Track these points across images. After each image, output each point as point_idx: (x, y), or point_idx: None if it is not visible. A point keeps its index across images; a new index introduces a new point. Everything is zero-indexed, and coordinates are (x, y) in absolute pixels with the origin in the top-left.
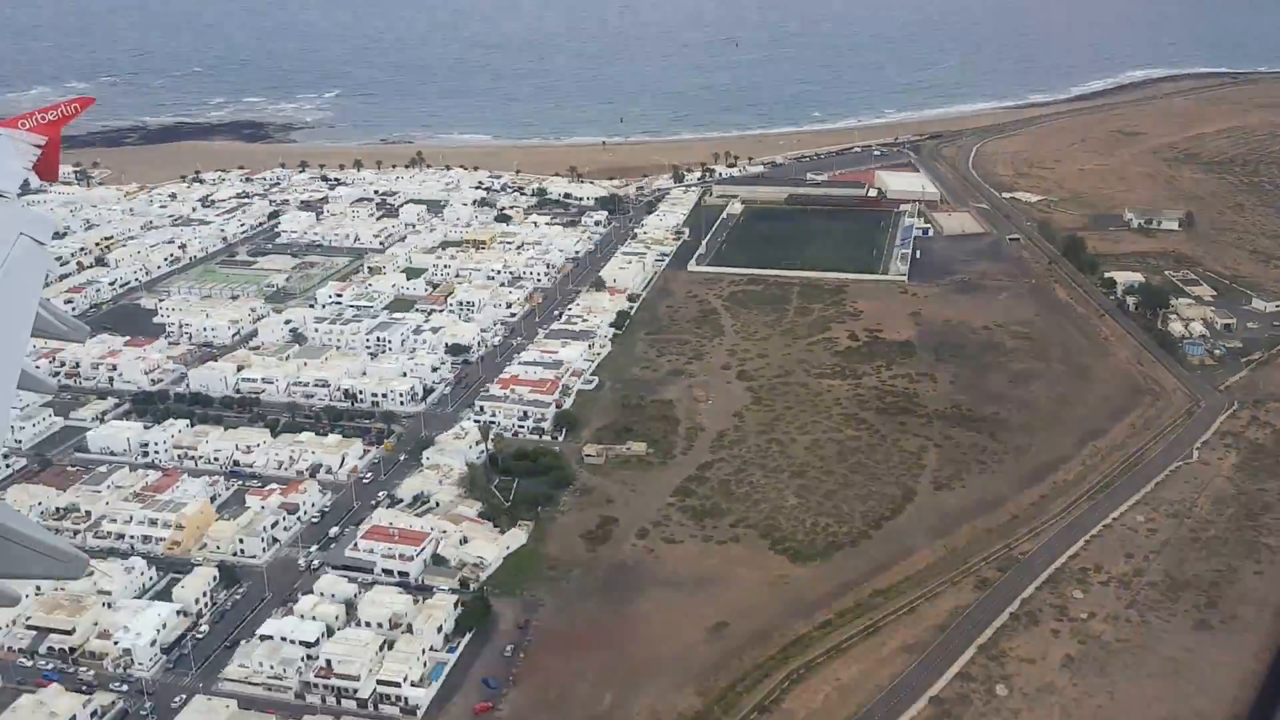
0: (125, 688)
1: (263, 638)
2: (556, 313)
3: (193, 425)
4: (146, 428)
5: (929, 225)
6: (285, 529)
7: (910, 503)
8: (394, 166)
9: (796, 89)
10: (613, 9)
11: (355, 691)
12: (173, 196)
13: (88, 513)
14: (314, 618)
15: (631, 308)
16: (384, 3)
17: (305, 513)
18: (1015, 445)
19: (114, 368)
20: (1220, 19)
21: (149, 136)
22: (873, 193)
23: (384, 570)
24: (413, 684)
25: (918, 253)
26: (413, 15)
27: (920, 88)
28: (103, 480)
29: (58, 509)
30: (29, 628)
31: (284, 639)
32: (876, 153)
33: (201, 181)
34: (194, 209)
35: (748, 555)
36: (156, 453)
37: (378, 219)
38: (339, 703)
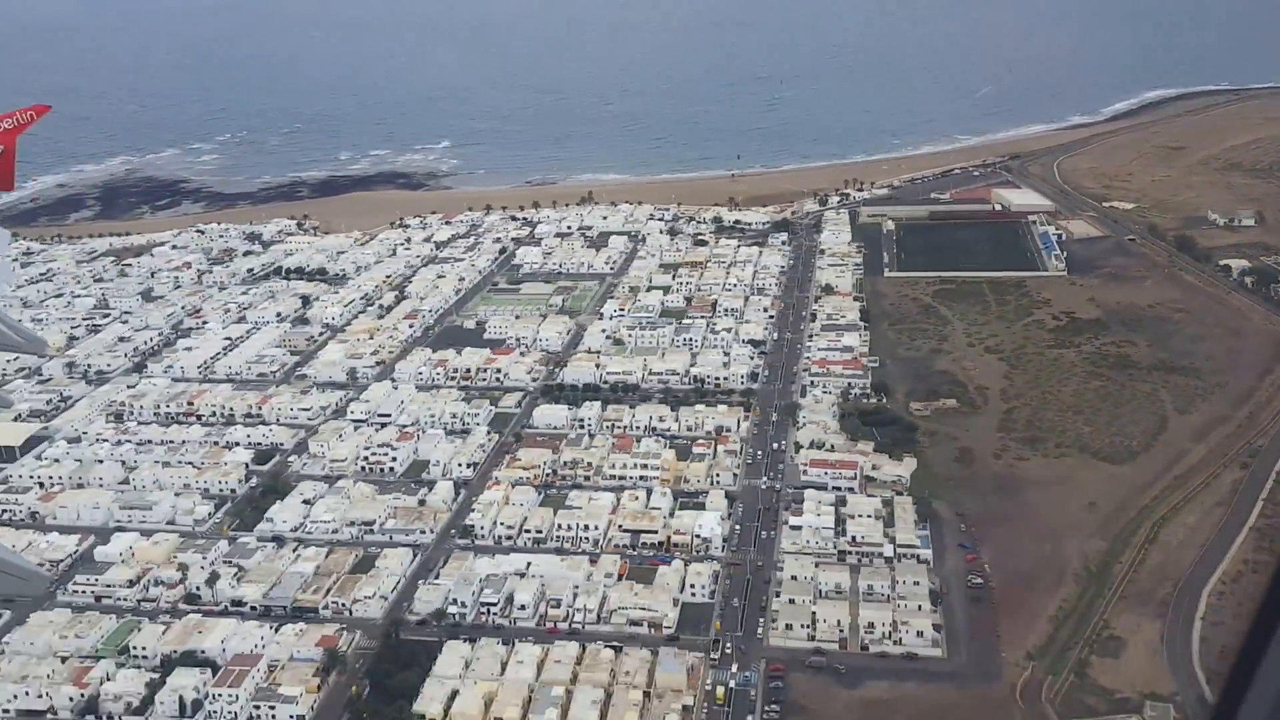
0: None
1: (793, 527)
2: (804, 314)
3: (604, 407)
4: (571, 408)
5: (1060, 231)
6: (734, 469)
7: (1167, 423)
8: (568, 205)
9: (863, 119)
10: (648, 56)
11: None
12: (407, 240)
13: (589, 463)
14: (819, 515)
15: (860, 307)
16: (428, 53)
17: (740, 454)
18: (1216, 382)
19: (499, 370)
20: (1183, 39)
21: (319, 189)
22: (997, 207)
23: (834, 487)
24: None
25: (1064, 253)
26: (474, 63)
27: (975, 114)
28: (580, 443)
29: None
30: (624, 530)
31: (812, 527)
32: (975, 173)
33: (406, 226)
34: (433, 248)
35: (1079, 464)
36: (589, 424)
37: (594, 248)
38: (870, 562)
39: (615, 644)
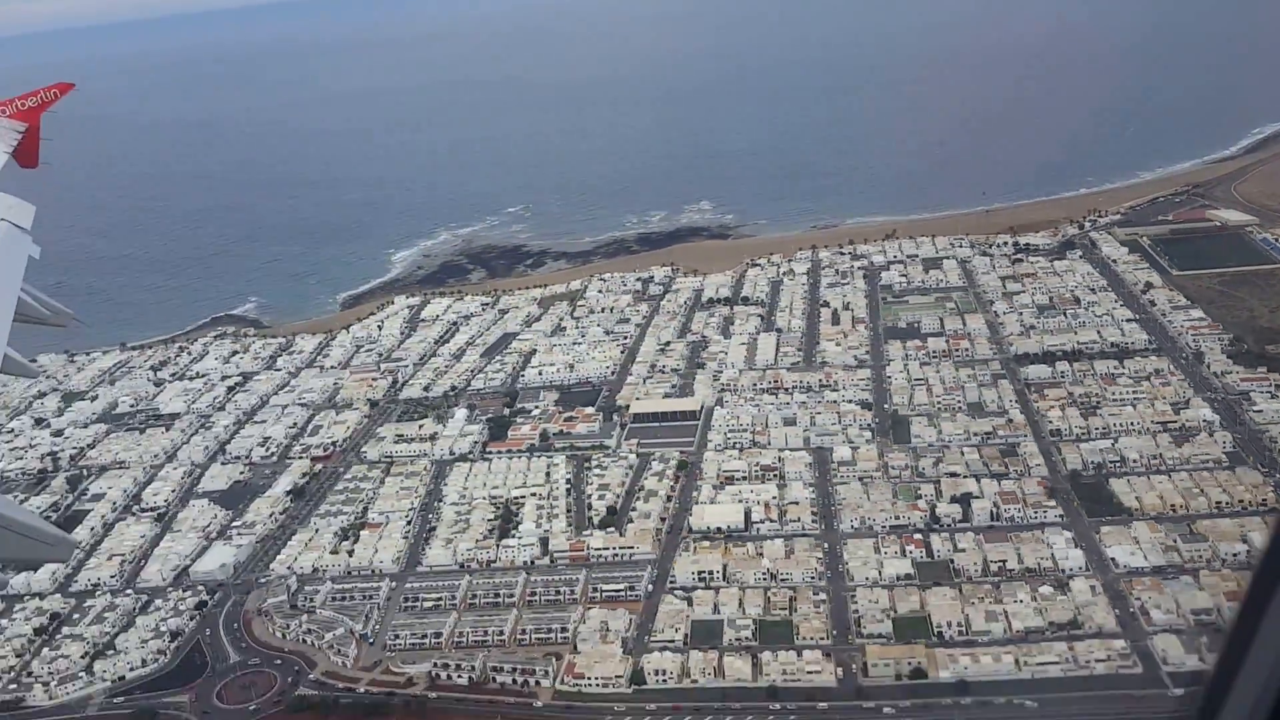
0: None
1: None
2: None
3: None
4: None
5: (1273, 237)
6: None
7: None
8: (867, 241)
9: (1047, 157)
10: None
11: None
12: (790, 273)
13: None
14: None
15: None
16: (641, 123)
17: None
18: None
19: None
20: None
21: (644, 243)
22: (1216, 223)
23: None
24: None
25: None
26: (698, 128)
27: (1131, 152)
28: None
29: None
30: None
31: None
32: (1178, 200)
33: (759, 265)
34: (820, 276)
35: None
36: None
37: (932, 268)
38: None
39: None
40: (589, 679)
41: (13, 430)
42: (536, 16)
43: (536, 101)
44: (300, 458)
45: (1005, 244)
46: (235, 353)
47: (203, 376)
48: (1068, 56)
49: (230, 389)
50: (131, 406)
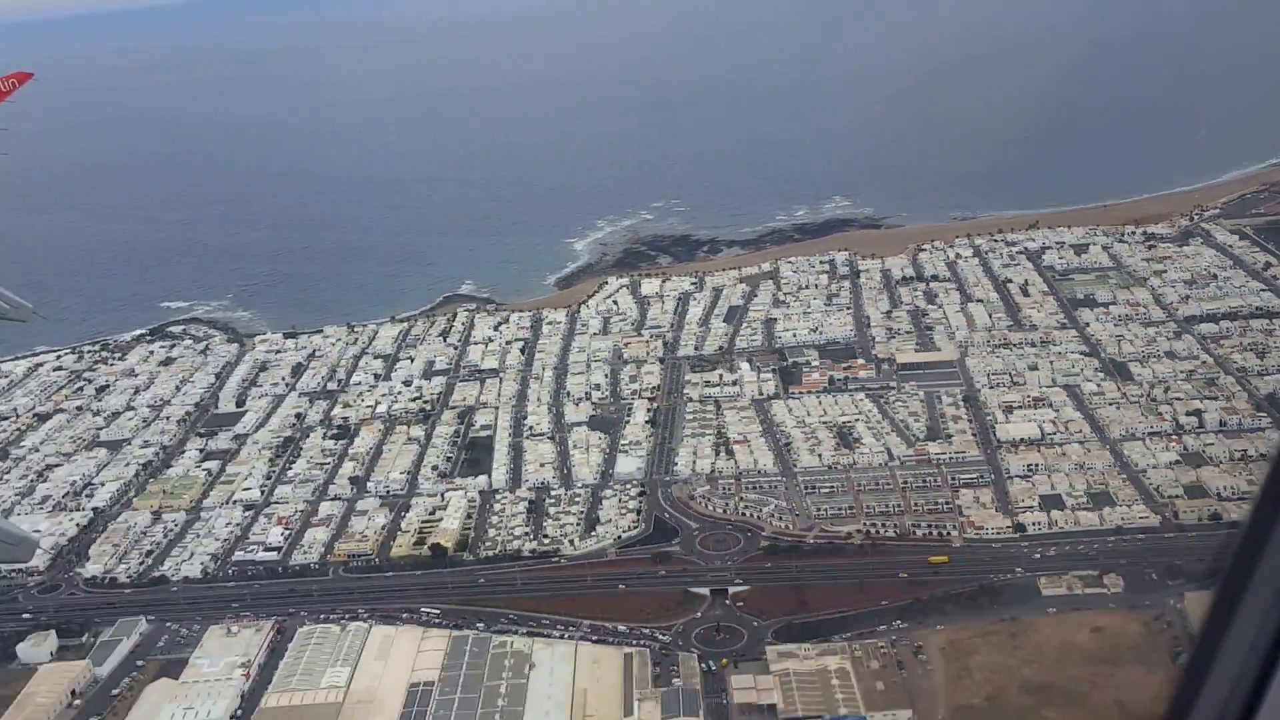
0: None
1: None
2: None
3: None
4: None
5: None
6: None
7: None
8: (1013, 230)
9: (1138, 156)
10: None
11: None
12: (959, 256)
13: None
14: None
15: None
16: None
17: None
18: None
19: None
20: None
21: (799, 233)
22: None
23: None
24: None
25: None
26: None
27: (1204, 155)
28: None
29: None
30: None
31: None
32: (1262, 196)
33: (925, 250)
34: (987, 259)
35: None
36: None
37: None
38: None
39: None
40: (985, 529)
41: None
42: (554, 17)
43: (615, 103)
44: (636, 397)
45: (1133, 233)
46: (500, 324)
47: (491, 341)
48: (1129, 62)
49: (522, 349)
50: (449, 363)
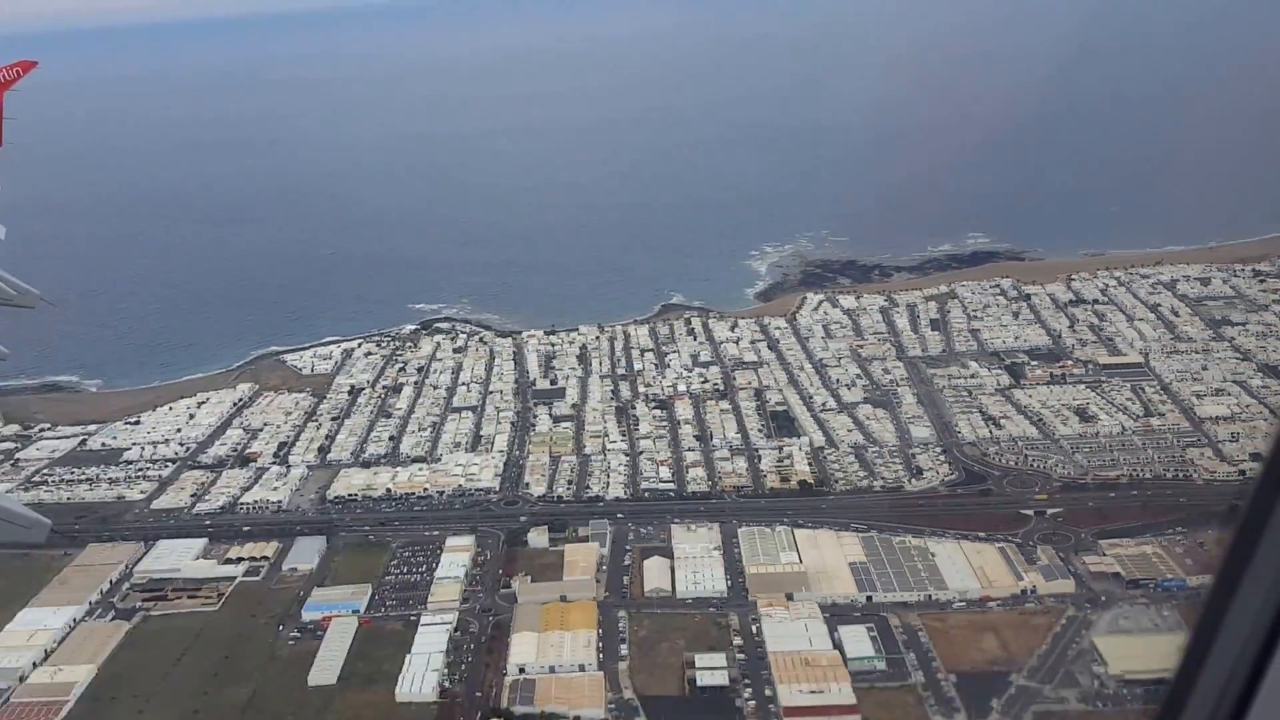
0: None
1: None
2: None
3: None
4: None
5: None
6: None
7: None
8: (1140, 265)
9: (1229, 199)
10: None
11: None
12: (1104, 288)
13: None
14: None
15: None
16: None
17: None
18: None
19: None
20: None
21: (960, 261)
22: None
23: None
24: None
25: None
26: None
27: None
28: None
29: None
30: None
31: None
32: None
33: (1079, 280)
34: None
35: None
36: None
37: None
38: None
39: None
40: (1215, 473)
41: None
42: (649, 45)
43: (743, 136)
44: (894, 385)
45: (1242, 269)
46: (733, 326)
47: (738, 341)
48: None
49: (769, 346)
50: (710, 357)
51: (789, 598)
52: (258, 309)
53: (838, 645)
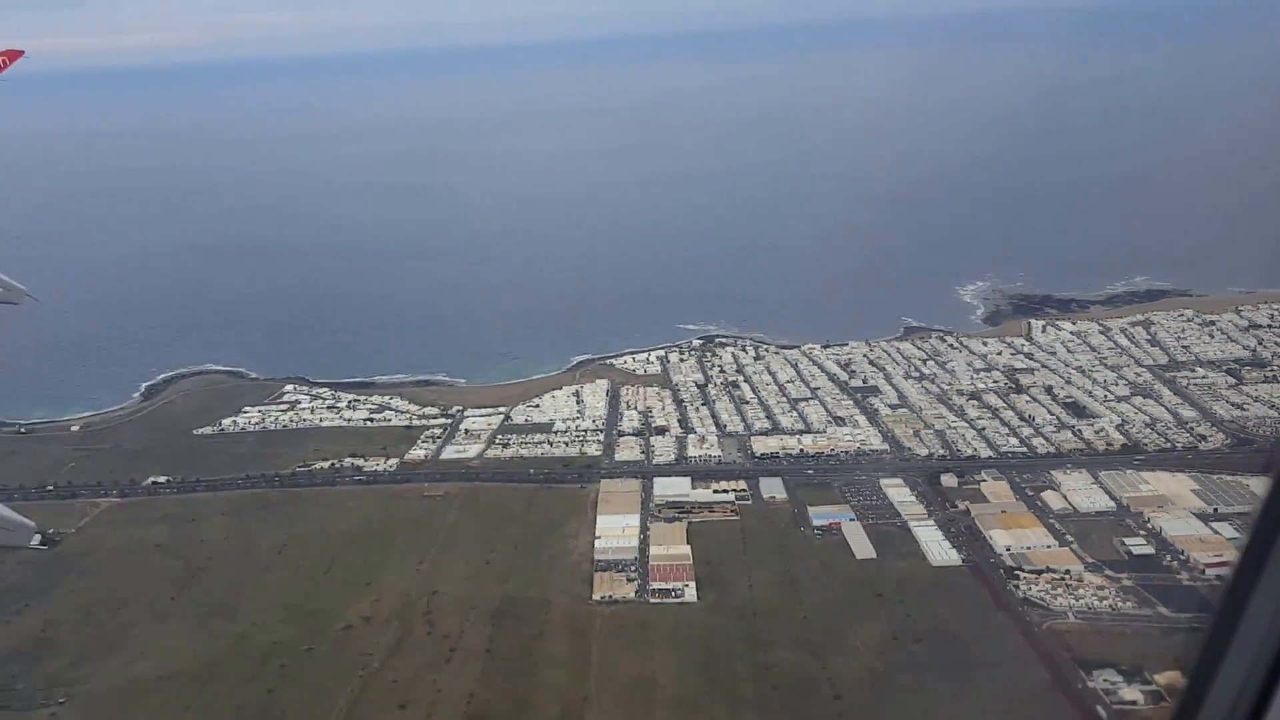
0: None
1: None
2: None
3: None
4: None
5: None
6: None
7: None
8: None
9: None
10: None
11: None
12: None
13: None
14: None
15: None
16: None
17: None
18: None
19: None
20: None
21: (1147, 296)
22: None
23: None
24: None
25: None
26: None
27: None
28: None
29: None
30: None
31: None
32: None
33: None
34: None
35: None
36: None
37: None
38: None
39: None
40: None
41: None
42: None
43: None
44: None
45: None
46: (986, 341)
47: (1000, 353)
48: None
49: (1029, 355)
50: (998, 366)
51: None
52: (563, 325)
53: None
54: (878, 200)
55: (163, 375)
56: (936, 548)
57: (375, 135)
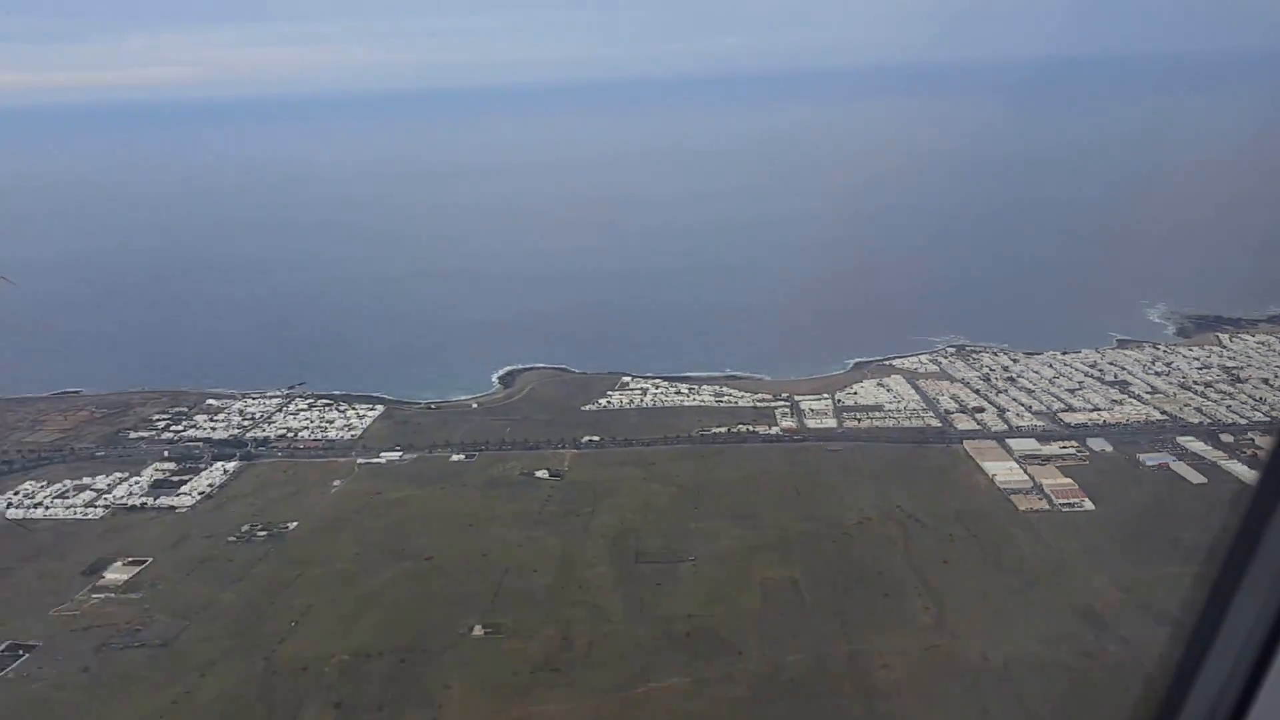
0: None
1: None
2: None
3: None
4: None
5: None
6: None
7: None
8: None
9: None
10: None
11: None
12: None
13: None
14: None
15: None
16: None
17: None
18: None
19: None
20: None
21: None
22: None
23: None
24: None
25: None
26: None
27: None
28: None
29: None
30: None
31: None
32: None
33: None
34: None
35: None
36: None
37: None
38: None
39: None
40: None
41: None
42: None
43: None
44: None
45: None
46: (1199, 355)
47: (1217, 362)
48: None
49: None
50: (1209, 374)
51: None
52: (825, 331)
53: None
54: (1071, 234)
55: (507, 368)
56: None
57: (521, 175)
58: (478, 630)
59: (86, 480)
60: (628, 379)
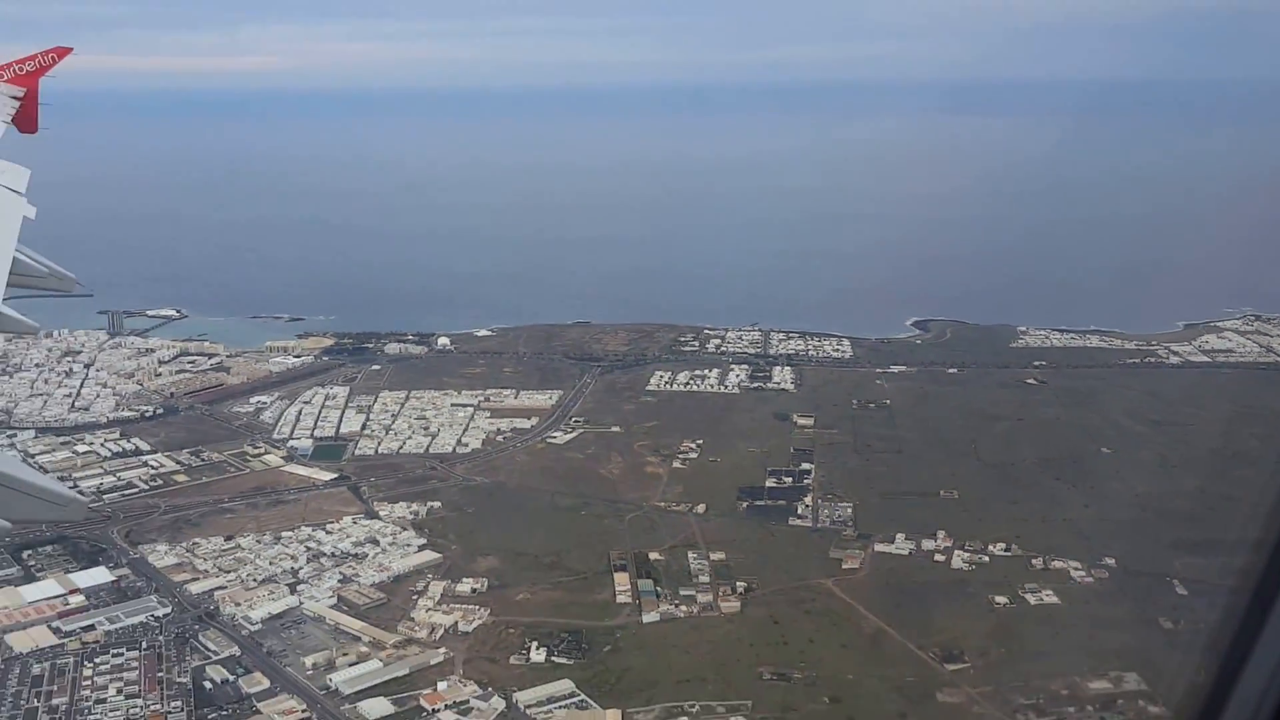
0: None
1: None
2: None
3: None
4: None
5: None
6: None
7: None
8: None
9: None
10: None
11: None
12: None
13: None
14: None
15: None
16: None
17: None
18: None
19: None
20: None
21: None
22: None
23: None
24: None
25: None
26: None
27: None
28: None
29: None
30: None
31: None
32: None
33: None
34: None
35: None
36: None
37: None
38: None
39: None
40: None
41: None
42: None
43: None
44: None
45: None
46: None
47: None
48: None
49: None
50: None
51: None
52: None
53: None
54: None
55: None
56: None
57: (671, 174)
58: None
59: (698, 373)
60: (1021, 327)
